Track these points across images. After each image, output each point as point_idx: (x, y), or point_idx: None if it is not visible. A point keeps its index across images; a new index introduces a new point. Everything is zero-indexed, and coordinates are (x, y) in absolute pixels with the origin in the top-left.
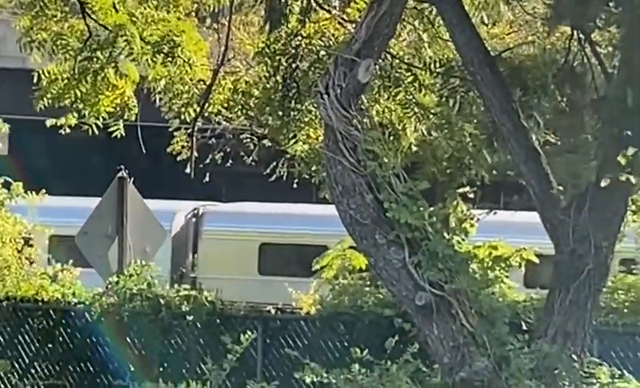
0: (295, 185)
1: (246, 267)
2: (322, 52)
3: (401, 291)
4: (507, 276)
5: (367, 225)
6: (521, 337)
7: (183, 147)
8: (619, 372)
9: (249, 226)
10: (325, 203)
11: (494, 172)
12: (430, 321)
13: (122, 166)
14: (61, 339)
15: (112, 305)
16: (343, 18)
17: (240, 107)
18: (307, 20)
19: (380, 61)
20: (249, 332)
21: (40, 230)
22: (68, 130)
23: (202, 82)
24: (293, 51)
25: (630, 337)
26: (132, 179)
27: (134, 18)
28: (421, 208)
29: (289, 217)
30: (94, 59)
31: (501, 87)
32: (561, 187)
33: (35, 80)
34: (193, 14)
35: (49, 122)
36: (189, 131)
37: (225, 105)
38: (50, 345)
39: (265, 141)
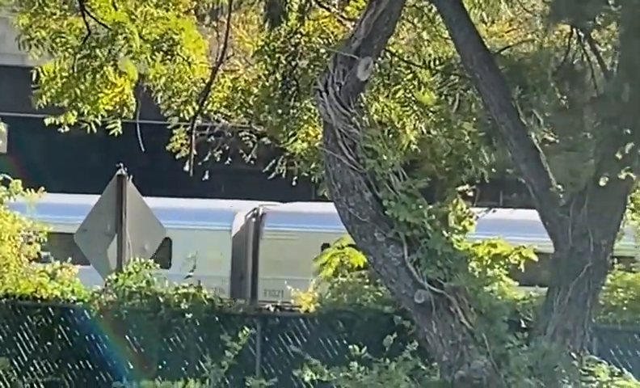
0: (294, 183)
1: (308, 268)
2: (322, 50)
3: (400, 289)
4: (506, 274)
5: (366, 223)
6: (520, 335)
7: (182, 145)
8: (618, 370)
9: (310, 226)
10: (324, 201)
11: (494, 170)
12: (429, 319)
13: (121, 164)
14: (59, 336)
15: (111, 302)
16: (342, 16)
17: (239, 105)
18: (306, 18)
19: (379, 59)
20: (246, 329)
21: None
22: (67, 128)
23: (201, 80)
24: (292, 49)
25: (629, 335)
26: (132, 176)
27: (133, 16)
28: (420, 207)
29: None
30: (93, 57)
31: (500, 85)
32: (560, 186)
33: (34, 78)
34: (192, 11)
35: (48, 120)
36: (188, 129)
37: (225, 103)
38: (49, 343)
39: (264, 139)
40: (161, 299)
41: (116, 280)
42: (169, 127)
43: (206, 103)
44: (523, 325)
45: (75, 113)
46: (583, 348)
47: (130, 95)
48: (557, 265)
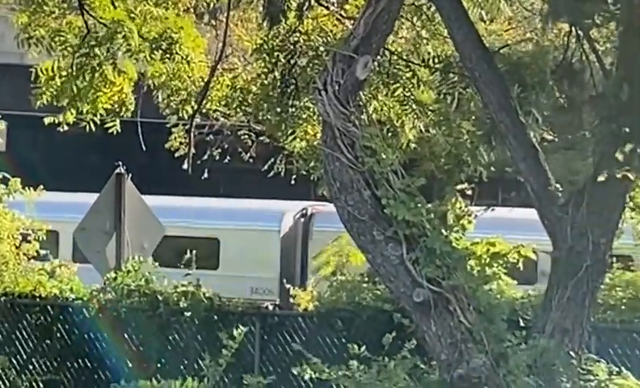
0: (293, 182)
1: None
2: (321, 49)
3: (399, 287)
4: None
5: (365, 221)
6: (519, 334)
7: (180, 143)
8: (617, 369)
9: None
10: (322, 200)
11: (492, 169)
12: (428, 317)
13: (120, 163)
14: (58, 334)
15: (110, 301)
16: (341, 15)
17: (238, 103)
18: (305, 16)
19: (378, 57)
20: (241, 327)
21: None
22: (66, 127)
23: (200, 79)
24: (291, 47)
25: (628, 334)
26: (130, 175)
27: (132, 15)
28: (419, 205)
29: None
30: (92, 55)
31: (499, 84)
32: (559, 184)
33: (33, 77)
34: (191, 10)
35: (47, 120)
36: (187, 127)
37: (223, 102)
38: (48, 341)
39: (263, 138)
40: (160, 297)
41: (115, 279)
42: (168, 125)
43: (205, 101)
44: (522, 323)
45: (74, 112)
46: (582, 347)
47: (129, 94)
48: (556, 264)
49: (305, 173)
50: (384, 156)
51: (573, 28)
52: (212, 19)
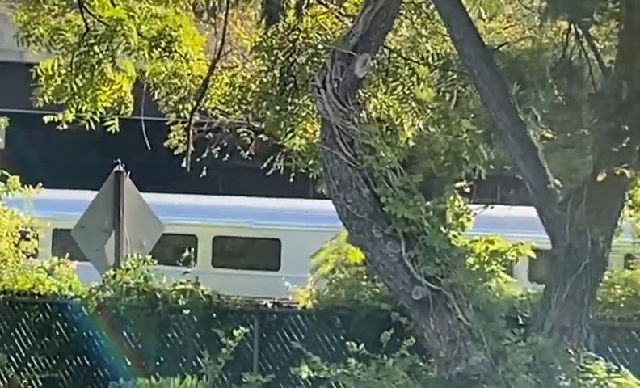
0: (292, 180)
1: None
2: (319, 47)
3: (397, 285)
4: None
5: (363, 219)
6: (518, 331)
7: (179, 141)
8: (616, 367)
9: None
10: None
11: (491, 167)
12: (426, 315)
13: (118, 160)
14: (57, 332)
15: (109, 299)
16: (340, 13)
17: (237, 101)
18: (304, 14)
19: (377, 55)
20: (242, 328)
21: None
22: (65, 125)
23: (199, 77)
24: (290, 45)
25: (627, 332)
26: (129, 172)
27: (131, 13)
28: (418, 203)
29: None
30: (92, 54)
31: (498, 82)
32: (558, 182)
33: (32, 75)
34: (190, 8)
35: (47, 118)
36: (186, 125)
37: (222, 100)
38: (47, 339)
39: (262, 136)
40: (158, 295)
41: (114, 277)
42: (167, 123)
43: (204, 99)
44: (520, 321)
45: (73, 110)
46: (581, 345)
47: (128, 92)
48: (554, 262)
49: (303, 171)
50: (383, 154)
51: (572, 26)
52: (211, 17)
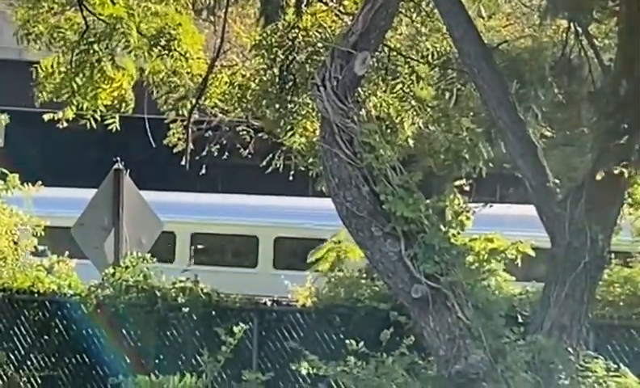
0: (291, 178)
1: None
2: (319, 45)
3: (397, 283)
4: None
5: (363, 217)
6: (517, 330)
7: (179, 139)
8: (615, 365)
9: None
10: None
11: (491, 165)
12: (426, 313)
13: (118, 158)
14: (56, 330)
15: (108, 297)
16: (339, 11)
17: (236, 99)
18: (304, 13)
19: (376, 53)
20: (242, 324)
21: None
22: (65, 123)
23: (199, 75)
24: (290, 43)
25: (626, 330)
26: (129, 170)
27: (131, 11)
28: (417, 201)
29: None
30: (91, 52)
31: (498, 80)
32: (557, 180)
33: (32, 73)
34: (190, 6)
35: (47, 116)
36: (185, 123)
37: (222, 98)
38: (46, 337)
39: (261, 134)
40: (158, 293)
41: (113, 274)
42: (166, 121)
43: (203, 97)
44: (520, 320)
45: (74, 108)
46: (580, 343)
47: (128, 90)
48: (554, 260)
49: (303, 169)
50: (382, 152)
51: (571, 24)
52: (211, 16)
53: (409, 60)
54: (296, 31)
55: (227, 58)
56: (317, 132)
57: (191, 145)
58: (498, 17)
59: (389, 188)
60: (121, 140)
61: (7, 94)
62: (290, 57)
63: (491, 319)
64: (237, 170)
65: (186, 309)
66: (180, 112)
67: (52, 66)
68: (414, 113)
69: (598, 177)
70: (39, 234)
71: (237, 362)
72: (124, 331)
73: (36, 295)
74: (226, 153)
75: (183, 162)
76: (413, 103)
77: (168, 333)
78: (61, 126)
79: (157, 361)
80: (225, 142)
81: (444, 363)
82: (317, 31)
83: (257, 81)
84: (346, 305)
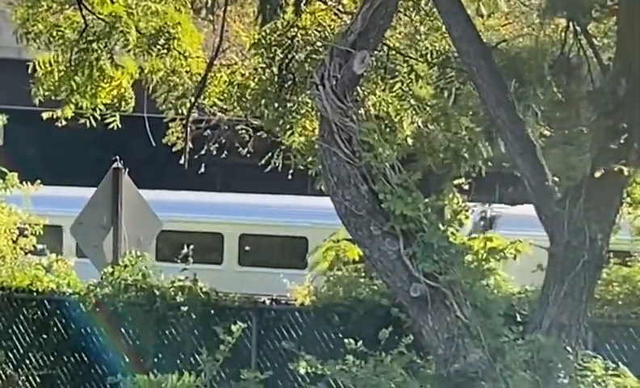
0: (290, 176)
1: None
2: (318, 44)
3: (395, 282)
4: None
5: (362, 216)
6: (516, 329)
7: (178, 138)
8: (614, 364)
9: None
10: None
11: (490, 164)
12: (424, 312)
13: (117, 157)
14: (55, 329)
15: (107, 295)
16: (338, 10)
17: (235, 98)
18: (303, 11)
19: (376, 52)
20: (240, 323)
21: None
22: (64, 122)
23: (197, 74)
24: (289, 42)
25: (625, 329)
26: (127, 169)
27: (130, 10)
28: (416, 200)
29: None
30: (90, 50)
31: (497, 79)
32: (556, 180)
33: (31, 70)
34: (188, 5)
35: (46, 115)
36: (184, 122)
37: (221, 97)
38: (45, 335)
39: (260, 133)
40: (156, 292)
41: (112, 273)
42: (165, 120)
43: (202, 96)
44: (518, 319)
45: (72, 107)
46: (579, 342)
47: (128, 89)
48: (553, 259)
49: (302, 168)
50: (381, 151)
51: (571, 23)
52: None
53: (408, 59)
54: (295, 30)
55: (226, 57)
56: (316, 131)
57: (190, 144)
58: (497, 16)
59: (387, 187)
60: (120, 138)
61: (6, 93)
62: (289, 56)
63: (490, 318)
64: (236, 168)
65: (184, 308)
66: (179, 111)
67: (49, 64)
68: (413, 112)
69: (597, 176)
70: (37, 233)
71: (235, 361)
72: (122, 330)
73: (35, 294)
74: (225, 152)
75: (182, 161)
76: (412, 101)
77: (167, 332)
78: (59, 125)
79: (155, 360)
80: (224, 141)
81: (442, 362)
82: (316, 30)
83: (256, 80)
84: (345, 304)
